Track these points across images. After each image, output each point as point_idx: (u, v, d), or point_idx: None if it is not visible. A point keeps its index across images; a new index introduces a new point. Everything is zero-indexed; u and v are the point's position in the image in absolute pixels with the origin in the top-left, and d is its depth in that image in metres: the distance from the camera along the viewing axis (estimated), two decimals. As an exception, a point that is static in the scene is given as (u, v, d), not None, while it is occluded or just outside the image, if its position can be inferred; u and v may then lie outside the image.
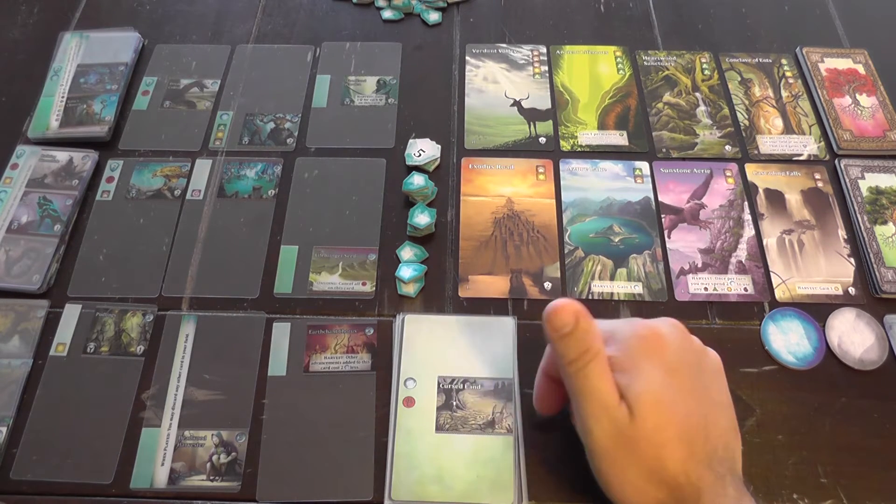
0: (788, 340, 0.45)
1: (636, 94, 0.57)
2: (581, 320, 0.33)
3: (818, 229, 0.50)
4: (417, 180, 0.50)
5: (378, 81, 0.57)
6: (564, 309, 0.33)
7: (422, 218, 0.48)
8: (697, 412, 0.34)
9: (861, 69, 0.58)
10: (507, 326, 0.44)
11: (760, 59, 0.59)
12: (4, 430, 0.41)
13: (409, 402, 0.41)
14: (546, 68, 0.59)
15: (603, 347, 0.34)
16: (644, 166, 0.53)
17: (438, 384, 0.42)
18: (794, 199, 0.51)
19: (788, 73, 0.59)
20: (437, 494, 0.38)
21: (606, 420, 0.33)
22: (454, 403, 0.41)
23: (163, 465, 0.40)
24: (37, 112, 0.55)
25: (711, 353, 0.37)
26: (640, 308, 0.46)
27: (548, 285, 0.47)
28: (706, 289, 0.47)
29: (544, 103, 0.56)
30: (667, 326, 0.36)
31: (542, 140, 0.54)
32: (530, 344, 0.44)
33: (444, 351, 0.43)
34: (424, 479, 0.39)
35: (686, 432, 0.33)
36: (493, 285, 0.47)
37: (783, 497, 0.39)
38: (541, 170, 0.53)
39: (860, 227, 0.49)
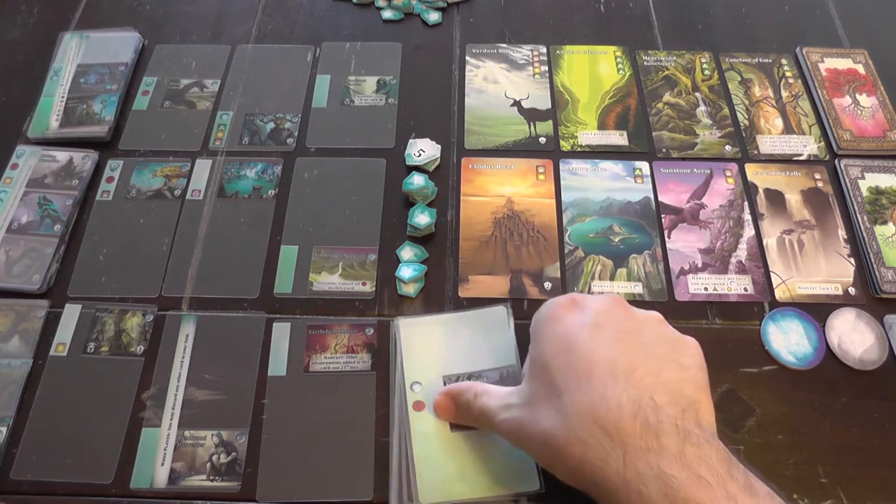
0: (788, 340, 0.45)
1: (636, 94, 0.57)
2: (454, 400, 0.39)
3: (818, 229, 0.50)
4: (417, 180, 0.50)
5: (378, 81, 0.57)
6: (438, 406, 0.40)
7: (422, 218, 0.48)
8: (613, 354, 0.31)
9: (861, 69, 0.58)
10: (500, 314, 0.44)
11: (760, 59, 0.59)
12: (4, 430, 0.41)
13: (419, 405, 0.41)
14: (546, 68, 0.59)
15: (478, 390, 0.37)
16: (644, 166, 0.53)
17: (444, 383, 0.42)
18: (794, 199, 0.51)
19: (788, 73, 0.59)
20: (463, 492, 0.38)
21: (508, 413, 0.34)
22: None
23: (163, 465, 0.40)
24: (37, 112, 0.55)
25: (686, 339, 0.35)
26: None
27: (548, 285, 0.47)
28: (706, 289, 0.47)
29: (544, 103, 0.56)
30: (594, 296, 0.36)
31: (542, 140, 0.54)
32: (528, 327, 0.43)
33: (443, 350, 0.43)
34: (449, 478, 0.38)
35: (591, 365, 0.31)
36: (493, 285, 0.47)
37: (783, 497, 0.39)
38: (541, 170, 0.53)
39: (860, 227, 0.49)
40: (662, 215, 0.50)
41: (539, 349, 0.35)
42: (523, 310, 0.46)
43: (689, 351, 0.34)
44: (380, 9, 0.63)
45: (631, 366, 0.31)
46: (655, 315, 0.36)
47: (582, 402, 0.30)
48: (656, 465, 0.28)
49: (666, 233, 0.49)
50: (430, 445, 0.39)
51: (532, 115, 0.56)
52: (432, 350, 0.43)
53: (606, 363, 0.31)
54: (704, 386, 0.33)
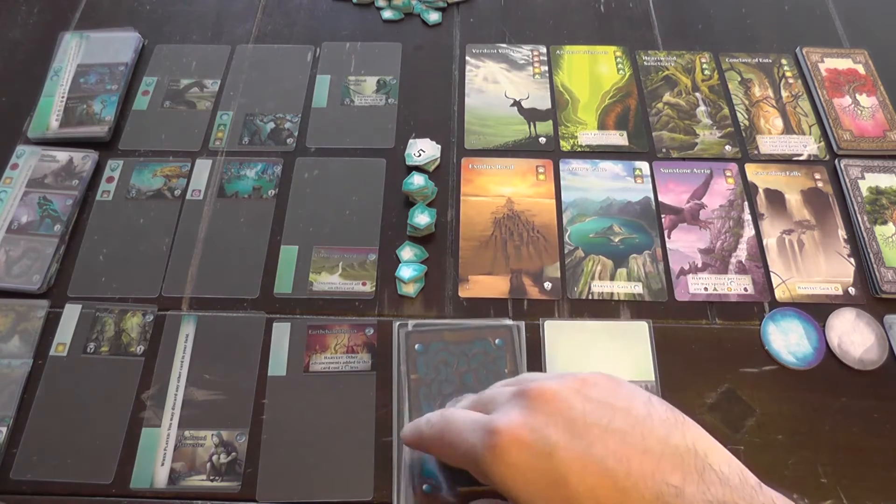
0: (788, 340, 0.45)
1: (636, 94, 0.57)
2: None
3: (818, 229, 0.50)
4: (417, 180, 0.50)
5: (378, 81, 0.57)
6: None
7: (422, 218, 0.48)
8: (600, 468, 0.26)
9: (861, 69, 0.58)
10: (642, 330, 0.45)
11: (760, 59, 0.59)
12: (4, 430, 0.41)
13: None
14: (546, 68, 0.59)
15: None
16: (644, 166, 0.53)
17: None
18: (794, 199, 0.51)
19: (788, 73, 0.59)
20: None
21: None
22: None
23: (163, 465, 0.40)
24: (37, 112, 0.55)
25: (600, 379, 0.30)
26: (639, 308, 0.46)
27: (548, 285, 0.47)
28: (706, 289, 0.47)
29: (544, 103, 0.56)
30: (511, 410, 0.29)
31: (542, 140, 0.54)
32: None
33: (584, 356, 0.43)
34: None
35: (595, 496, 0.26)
36: (493, 285, 0.47)
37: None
38: (541, 170, 0.53)
39: (860, 227, 0.49)
40: (662, 215, 0.50)
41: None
42: (524, 310, 0.46)
43: (623, 391, 0.28)
44: (380, 9, 0.63)
45: (624, 465, 0.25)
46: (565, 384, 0.29)
47: None
48: None
49: (666, 233, 0.49)
50: None
51: (532, 115, 0.56)
52: (574, 355, 0.43)
53: (607, 484, 0.25)
54: (682, 418, 0.27)
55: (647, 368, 0.43)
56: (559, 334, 0.45)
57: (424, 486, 0.38)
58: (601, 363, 0.43)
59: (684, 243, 0.49)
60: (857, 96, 0.56)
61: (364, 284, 0.47)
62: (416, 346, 0.43)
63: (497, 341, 0.43)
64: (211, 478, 0.40)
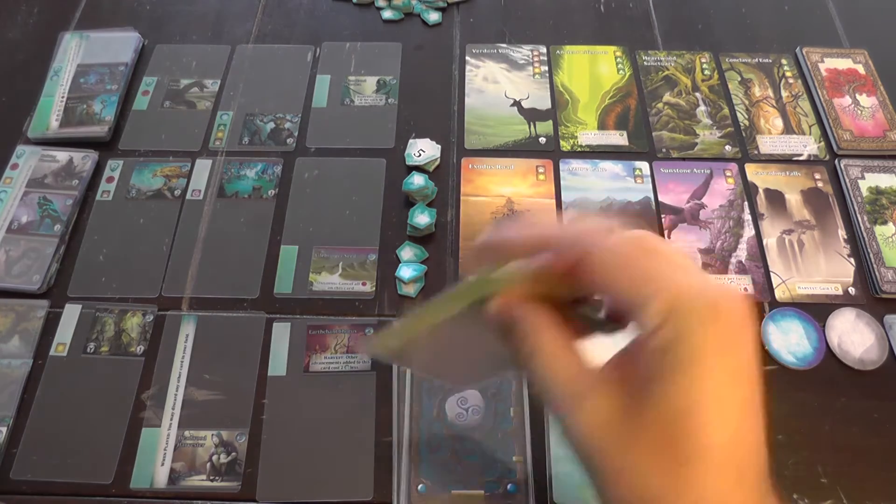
0: (788, 340, 0.45)
1: (636, 94, 0.57)
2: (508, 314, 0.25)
3: (818, 229, 0.50)
4: (417, 180, 0.50)
5: (378, 81, 0.57)
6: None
7: (422, 218, 0.48)
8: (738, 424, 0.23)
9: (861, 69, 0.58)
10: None
11: (760, 59, 0.59)
12: (4, 430, 0.41)
13: None
14: (546, 68, 0.59)
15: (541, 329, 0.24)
16: (644, 166, 0.53)
17: None
18: (794, 199, 0.51)
19: (788, 73, 0.59)
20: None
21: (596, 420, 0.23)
22: None
23: (163, 465, 0.40)
24: (37, 112, 0.55)
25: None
26: (640, 308, 0.46)
27: (548, 285, 0.47)
28: (706, 289, 0.47)
29: (544, 103, 0.56)
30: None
31: (542, 140, 0.54)
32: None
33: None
34: (583, 484, 0.38)
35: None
36: (493, 285, 0.47)
37: (783, 497, 0.39)
38: (541, 170, 0.53)
39: (860, 227, 0.49)
40: (662, 215, 0.50)
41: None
42: (523, 310, 0.46)
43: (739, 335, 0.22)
44: (380, 9, 0.63)
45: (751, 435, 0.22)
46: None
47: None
48: None
49: (666, 233, 0.49)
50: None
51: (532, 115, 0.56)
52: None
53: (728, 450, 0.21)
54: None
55: None
56: None
57: (420, 487, 0.39)
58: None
59: (684, 243, 0.49)
60: (857, 96, 0.56)
61: (364, 284, 0.47)
62: None
63: None
64: (211, 478, 0.40)
